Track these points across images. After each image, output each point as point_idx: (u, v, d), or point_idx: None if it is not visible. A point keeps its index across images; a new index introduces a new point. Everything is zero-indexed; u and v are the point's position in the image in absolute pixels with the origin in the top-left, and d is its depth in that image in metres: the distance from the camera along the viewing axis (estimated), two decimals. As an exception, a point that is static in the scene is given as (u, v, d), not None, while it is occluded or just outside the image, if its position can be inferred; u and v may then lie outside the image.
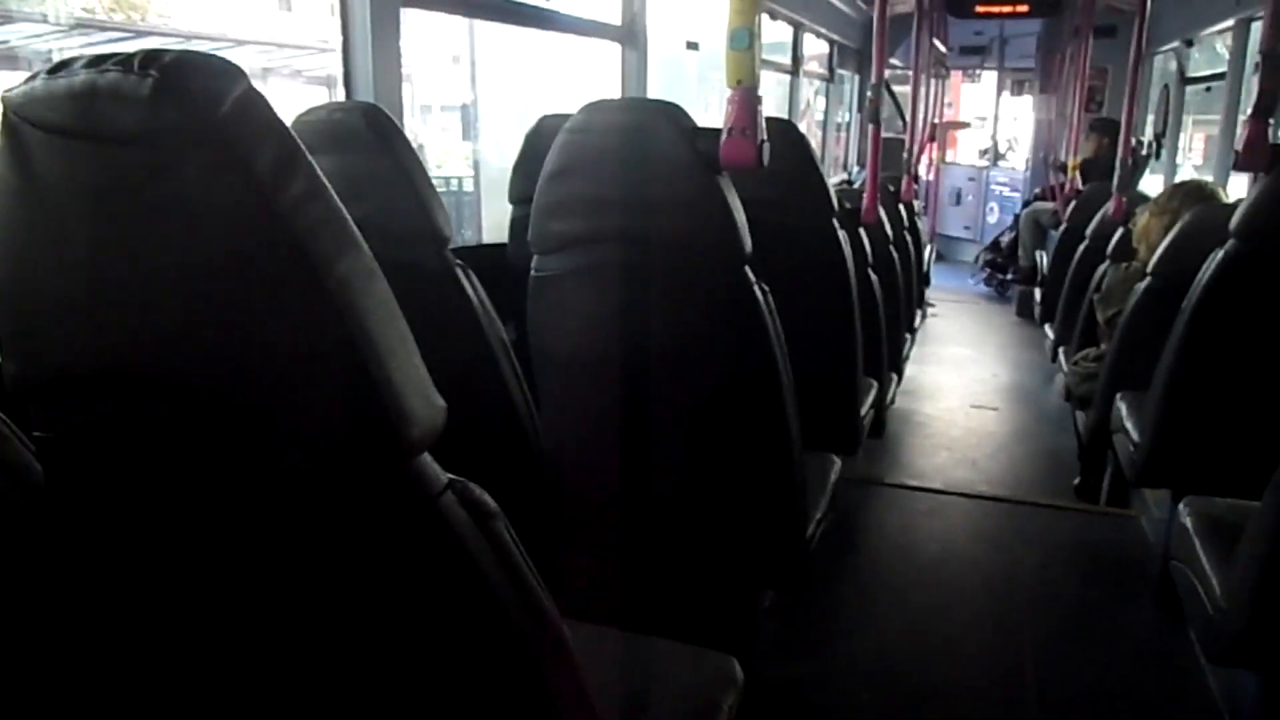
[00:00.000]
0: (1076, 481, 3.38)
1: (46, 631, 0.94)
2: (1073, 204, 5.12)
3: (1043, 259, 5.96)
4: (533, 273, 1.67)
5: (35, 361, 0.80)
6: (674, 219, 1.54)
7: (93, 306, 0.74)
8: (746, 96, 1.51)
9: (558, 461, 1.82)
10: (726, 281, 1.55)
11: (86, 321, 0.75)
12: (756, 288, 1.57)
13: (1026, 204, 7.46)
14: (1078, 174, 5.70)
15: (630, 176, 1.54)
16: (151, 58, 0.66)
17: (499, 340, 1.74)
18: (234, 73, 0.67)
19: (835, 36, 7.33)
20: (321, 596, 0.81)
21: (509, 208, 2.66)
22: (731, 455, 1.72)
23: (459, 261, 1.71)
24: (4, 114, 0.73)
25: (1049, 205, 6.40)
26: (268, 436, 0.73)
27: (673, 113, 1.52)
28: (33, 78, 0.72)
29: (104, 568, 0.91)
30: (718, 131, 1.51)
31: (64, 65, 0.70)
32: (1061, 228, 5.12)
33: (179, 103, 0.64)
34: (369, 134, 1.63)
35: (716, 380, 1.66)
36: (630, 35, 3.61)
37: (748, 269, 1.56)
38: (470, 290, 1.70)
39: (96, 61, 0.68)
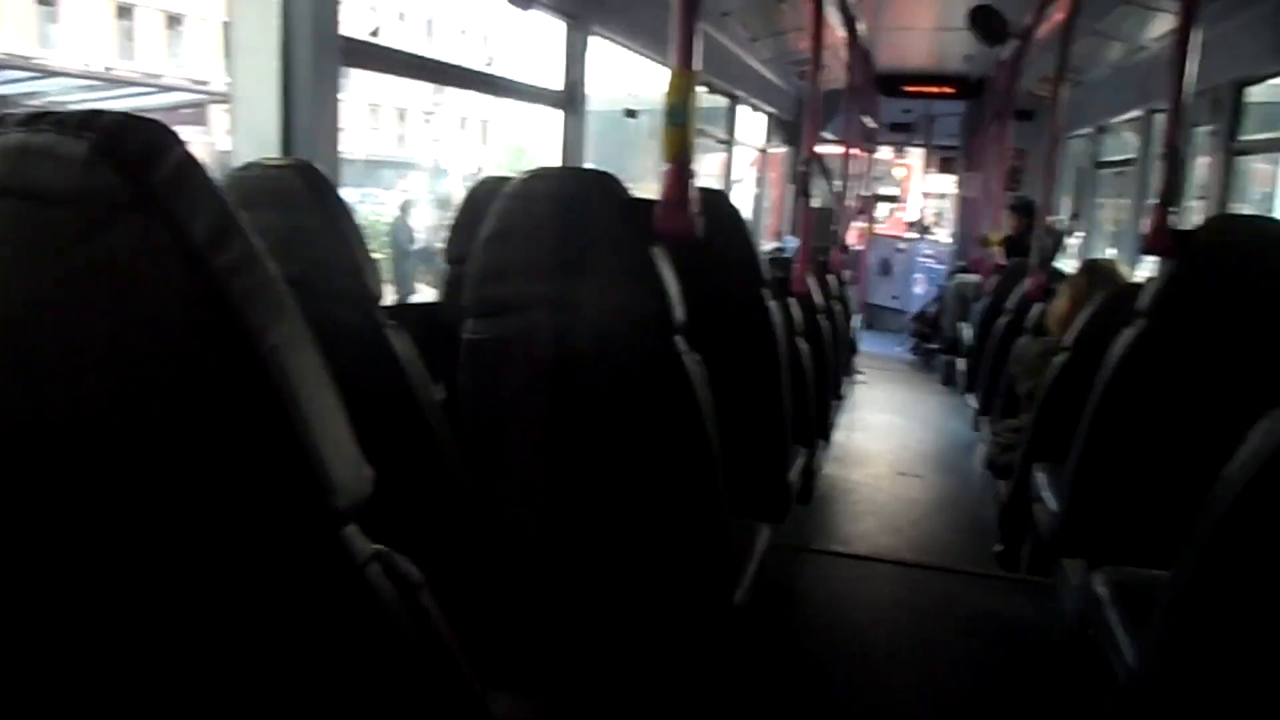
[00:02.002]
0: (998, 549, 3.45)
1: None
2: (995, 278, 5.31)
3: (966, 330, 6.16)
4: (465, 335, 1.67)
5: None
6: (608, 287, 1.57)
7: (15, 364, 0.72)
8: (681, 170, 1.56)
9: (487, 525, 1.81)
10: (657, 350, 1.58)
11: (11, 378, 0.73)
12: (687, 356, 1.59)
13: (951, 276, 7.71)
14: (999, 249, 5.93)
15: (566, 244, 1.56)
16: (89, 119, 0.65)
17: (429, 401, 1.73)
18: (171, 137, 0.67)
19: (770, 109, 7.56)
20: (242, 663, 0.79)
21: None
22: (661, 521, 1.72)
23: (390, 321, 1.71)
24: None
25: (972, 278, 6.62)
26: (191, 503, 0.72)
27: (609, 184, 1.55)
28: None
29: (16, 635, 0.87)
30: (653, 202, 1.55)
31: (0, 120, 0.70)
32: (984, 301, 5.30)
33: (115, 165, 0.64)
34: (304, 191, 1.63)
35: (646, 446, 1.67)
36: (570, 101, 3.68)
37: (679, 338, 1.59)
38: (400, 350, 1.69)
39: (32, 120, 0.67)
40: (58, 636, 0.84)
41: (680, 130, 1.55)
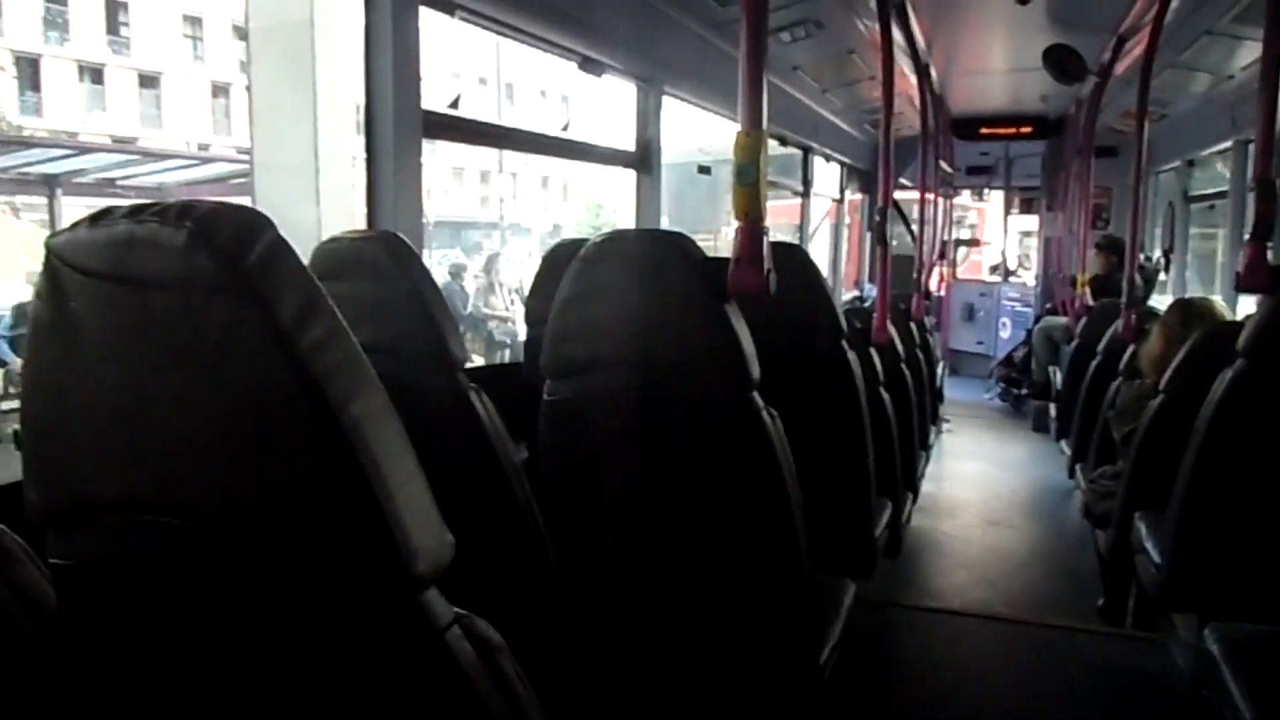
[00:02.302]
0: (1100, 602, 3.30)
1: None
2: (1084, 320, 5.16)
3: (1056, 374, 5.97)
4: (545, 396, 1.70)
5: (58, 491, 0.82)
6: (683, 346, 1.58)
7: (117, 441, 0.77)
8: (753, 228, 1.57)
9: (569, 584, 1.81)
10: (734, 407, 1.57)
11: (110, 455, 0.77)
12: (765, 412, 1.59)
13: (1038, 319, 7.52)
14: (1087, 290, 5.77)
15: (641, 304, 1.58)
16: (187, 209, 0.70)
17: (510, 462, 1.75)
18: (263, 224, 0.71)
19: (845, 159, 7.55)
20: None
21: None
22: (744, 580, 1.70)
23: (472, 385, 1.75)
24: (46, 258, 0.77)
25: (1061, 320, 6.44)
26: (279, 570, 0.74)
27: (682, 244, 1.57)
28: (75, 225, 0.76)
29: (115, 694, 0.90)
30: (726, 261, 1.56)
31: (105, 214, 0.75)
32: (1074, 344, 5.14)
33: (210, 252, 0.69)
34: (388, 261, 1.69)
35: (726, 503, 1.66)
36: (644, 161, 3.74)
37: (755, 394, 1.58)
38: (482, 412, 1.73)
39: (136, 211, 0.72)
40: (161, 699, 0.88)
41: (751, 189, 1.57)
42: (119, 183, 8.81)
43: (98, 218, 0.75)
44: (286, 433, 0.70)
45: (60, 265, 0.76)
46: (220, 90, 25.83)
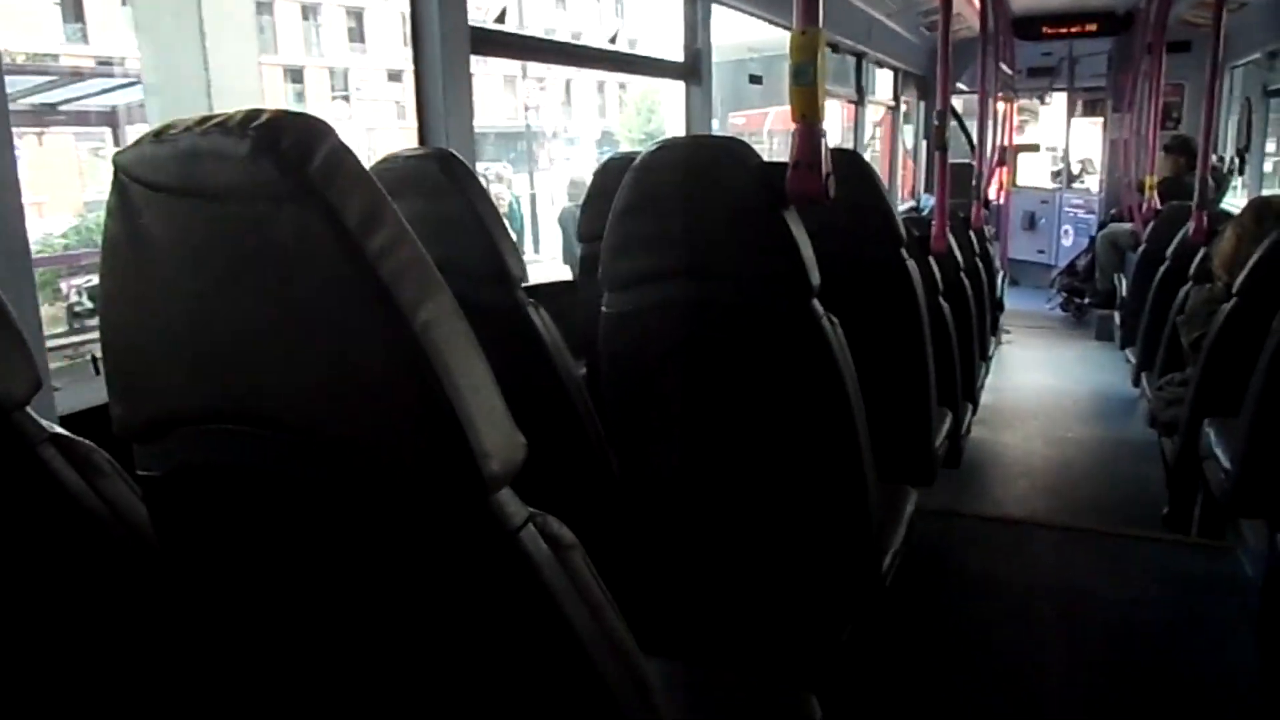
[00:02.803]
0: (1165, 511, 3.26)
1: (156, 662, 0.98)
2: (1151, 225, 4.99)
3: (1121, 282, 5.80)
4: (604, 309, 1.70)
5: (141, 405, 0.85)
6: (742, 253, 1.56)
7: (194, 352, 0.78)
8: (810, 131, 1.52)
9: (632, 494, 1.84)
10: (795, 314, 1.56)
11: (188, 366, 0.80)
12: (825, 319, 1.57)
13: (1102, 226, 7.29)
14: (1156, 194, 5.56)
15: (698, 213, 1.56)
16: (249, 118, 0.70)
17: (570, 376, 1.77)
18: (323, 129, 0.71)
19: (899, 64, 7.31)
20: (407, 627, 0.84)
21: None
22: (805, 487, 1.71)
23: (530, 300, 1.75)
24: (114, 175, 0.78)
25: (1126, 226, 6.24)
26: (356, 473, 0.76)
27: (738, 149, 1.54)
28: (140, 141, 0.77)
29: (205, 597, 0.95)
30: (783, 165, 1.53)
31: (168, 128, 0.76)
32: (1141, 249, 4.98)
33: (273, 159, 0.69)
34: (444, 178, 1.68)
35: (788, 412, 1.66)
36: (693, 72, 3.66)
37: (815, 302, 1.57)
38: (542, 327, 1.74)
39: (199, 123, 0.72)
40: (248, 597, 0.92)
41: (808, 90, 1.52)
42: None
43: (161, 132, 0.76)
44: (357, 337, 0.71)
45: (128, 181, 0.77)
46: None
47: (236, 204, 0.71)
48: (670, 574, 1.88)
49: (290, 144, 0.69)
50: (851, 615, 1.87)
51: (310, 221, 0.69)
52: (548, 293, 2.13)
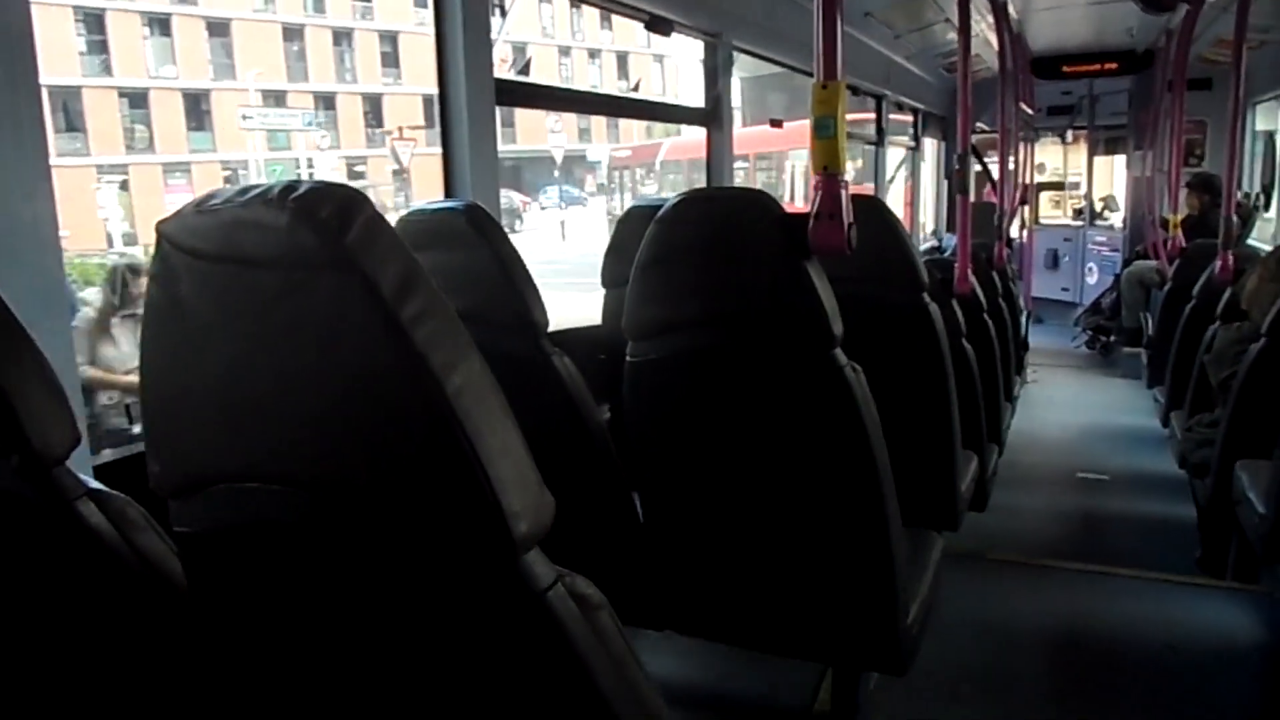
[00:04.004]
0: (1198, 554, 3.20)
1: (186, 711, 0.99)
2: (1177, 263, 4.96)
3: (1148, 319, 5.76)
4: (628, 358, 1.72)
5: (177, 462, 0.87)
6: (764, 304, 1.58)
7: (230, 413, 0.80)
8: (832, 182, 1.54)
9: (656, 538, 1.84)
10: (818, 364, 1.57)
11: (224, 427, 0.81)
12: (848, 369, 1.58)
13: (1127, 263, 7.24)
14: (1180, 231, 5.54)
15: (721, 264, 1.58)
16: (289, 189, 0.73)
17: (595, 422, 1.78)
18: (360, 200, 0.74)
19: (919, 105, 7.35)
20: (433, 683, 0.84)
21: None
22: (830, 535, 1.71)
23: (555, 349, 1.77)
24: (157, 241, 0.81)
25: (1151, 263, 6.20)
26: (387, 533, 0.77)
27: (761, 201, 1.56)
28: (182, 209, 0.80)
29: (236, 651, 0.96)
30: (805, 217, 1.54)
31: (210, 197, 0.78)
32: (1167, 288, 4.95)
33: (312, 229, 0.71)
34: (470, 230, 1.72)
35: (812, 461, 1.66)
36: (714, 117, 3.71)
37: (838, 351, 1.57)
38: (566, 376, 1.76)
39: (240, 193, 0.75)
40: (279, 651, 0.93)
41: (830, 142, 1.54)
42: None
43: (204, 200, 0.78)
44: (391, 403, 0.73)
45: (170, 249, 0.80)
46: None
47: (276, 271, 0.73)
48: (694, 621, 1.87)
49: (329, 214, 0.71)
50: (879, 662, 1.85)
51: (348, 289, 0.71)
52: (571, 339, 2.16)
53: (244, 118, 25.00)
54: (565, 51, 31.98)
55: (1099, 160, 8.91)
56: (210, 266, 0.77)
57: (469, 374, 0.73)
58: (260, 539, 0.86)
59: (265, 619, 0.92)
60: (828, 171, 1.55)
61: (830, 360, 1.56)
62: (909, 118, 7.66)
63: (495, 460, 0.73)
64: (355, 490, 0.77)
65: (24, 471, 0.99)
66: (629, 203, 5.61)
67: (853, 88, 5.60)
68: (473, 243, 1.70)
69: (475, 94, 2.33)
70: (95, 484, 1.03)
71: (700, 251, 1.60)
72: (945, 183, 8.45)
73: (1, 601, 1.14)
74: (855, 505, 1.66)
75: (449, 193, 2.35)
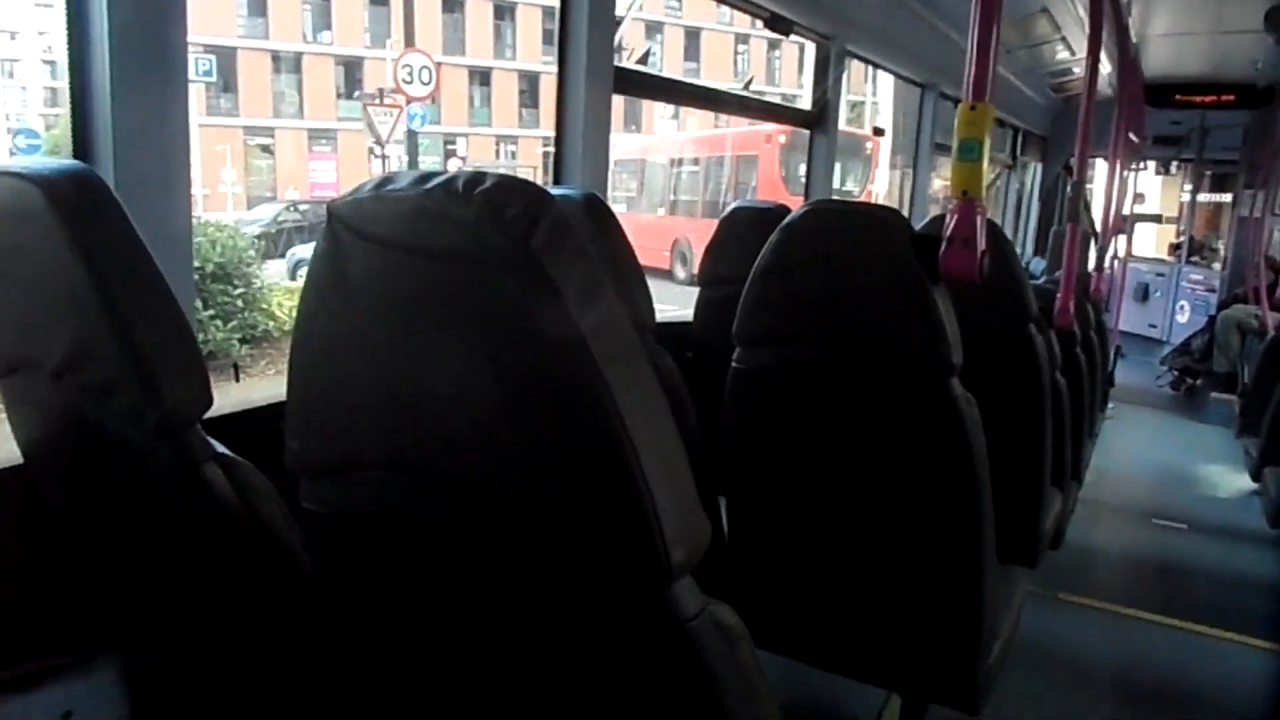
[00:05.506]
0: None
1: (304, 684, 0.99)
2: None
3: (1242, 366, 5.54)
4: (734, 364, 1.69)
5: (320, 443, 0.86)
6: (884, 325, 1.53)
7: (385, 401, 0.79)
8: (969, 207, 1.50)
9: (738, 547, 1.81)
10: (933, 392, 1.52)
11: (376, 414, 0.80)
12: (962, 399, 1.53)
13: (1223, 305, 6.99)
14: None
15: (843, 279, 1.55)
16: (473, 181, 0.71)
17: (692, 425, 1.76)
18: (546, 199, 0.72)
19: (1019, 123, 7.16)
20: (561, 701, 0.83)
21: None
22: (921, 564, 1.66)
23: (659, 348, 1.75)
24: (328, 220, 0.80)
25: (1251, 308, 5.97)
26: (534, 542, 0.76)
27: (892, 220, 1.52)
28: (358, 190, 0.79)
29: (358, 631, 0.96)
30: (937, 240, 1.50)
31: (388, 180, 0.77)
32: (1270, 337, 4.76)
33: (498, 227, 0.69)
34: (588, 220, 1.70)
35: (913, 487, 1.62)
36: (820, 121, 3.65)
37: (955, 381, 1.53)
38: (666, 373, 1.73)
39: (421, 180, 0.74)
40: (404, 648, 0.92)
41: (974, 165, 1.49)
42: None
43: (382, 184, 0.77)
44: (561, 413, 0.71)
45: (342, 229, 0.79)
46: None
47: (456, 266, 0.72)
48: (767, 633, 1.84)
49: (517, 213, 0.69)
50: (952, 699, 1.81)
51: (530, 292, 0.69)
52: (667, 333, 2.13)
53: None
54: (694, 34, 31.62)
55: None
56: (386, 252, 0.76)
57: (644, 394, 0.71)
58: (394, 530, 0.85)
59: (391, 612, 0.91)
60: (966, 196, 1.50)
61: (947, 390, 1.52)
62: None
63: (661, 487, 0.70)
64: (506, 496, 0.75)
65: (161, 430, 0.99)
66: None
67: (953, 98, 5.47)
68: (590, 233, 1.69)
69: (594, 80, 2.31)
70: (221, 448, 1.04)
71: (822, 264, 1.56)
72: (1039, 205, 8.22)
73: (138, 556, 1.16)
74: (953, 537, 1.61)
75: (558, 179, 2.34)
